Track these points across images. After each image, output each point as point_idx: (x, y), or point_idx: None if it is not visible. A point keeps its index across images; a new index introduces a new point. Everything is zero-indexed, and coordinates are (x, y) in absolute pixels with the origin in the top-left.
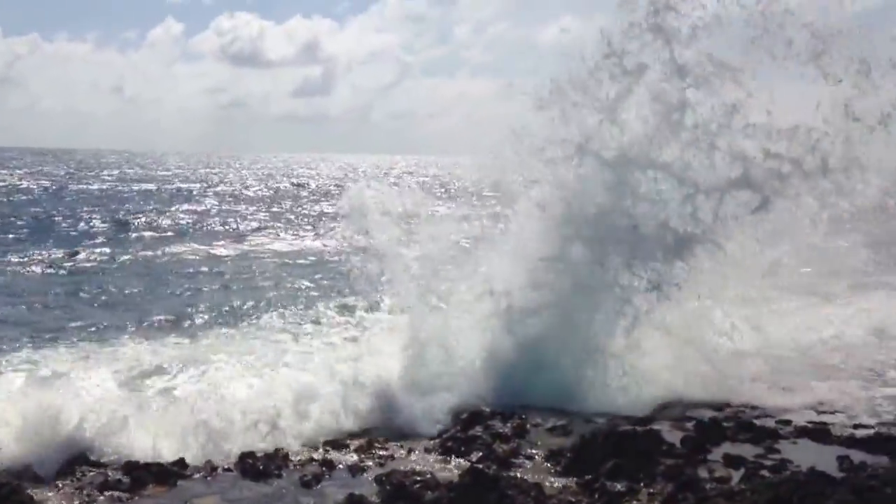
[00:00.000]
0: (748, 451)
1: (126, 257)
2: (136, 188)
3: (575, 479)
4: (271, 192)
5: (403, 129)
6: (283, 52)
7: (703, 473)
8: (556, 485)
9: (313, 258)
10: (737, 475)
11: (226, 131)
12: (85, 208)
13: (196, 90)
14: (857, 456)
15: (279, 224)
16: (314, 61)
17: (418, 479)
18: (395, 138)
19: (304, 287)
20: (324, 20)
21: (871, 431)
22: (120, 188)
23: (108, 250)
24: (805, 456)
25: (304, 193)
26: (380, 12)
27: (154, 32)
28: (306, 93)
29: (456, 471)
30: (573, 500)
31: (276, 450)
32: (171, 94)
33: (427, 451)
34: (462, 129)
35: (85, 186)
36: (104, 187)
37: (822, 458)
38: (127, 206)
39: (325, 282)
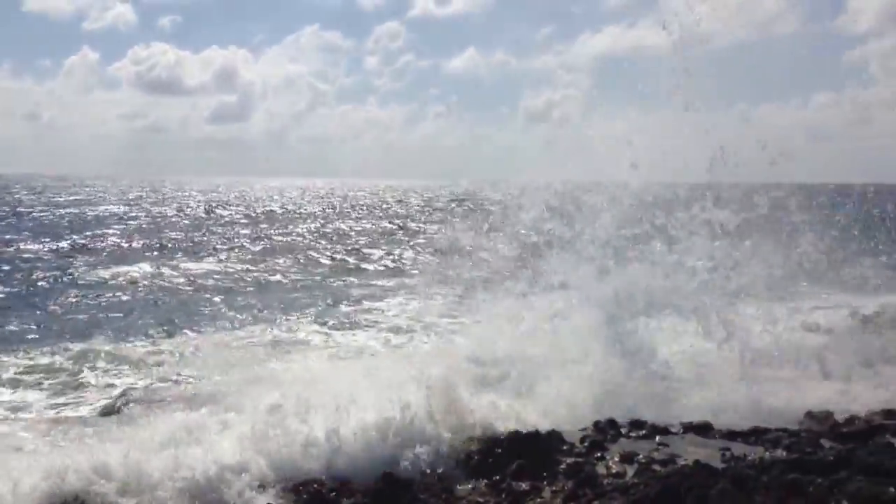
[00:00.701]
0: (642, 447)
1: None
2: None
3: (484, 480)
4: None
5: (318, 154)
6: (200, 80)
7: (601, 470)
8: (465, 487)
9: None
10: (631, 470)
11: (144, 156)
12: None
13: (113, 116)
14: (737, 448)
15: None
16: (231, 89)
17: (332, 486)
18: (311, 162)
19: None
20: (240, 50)
21: (749, 425)
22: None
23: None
24: (692, 450)
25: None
26: (294, 43)
27: (70, 60)
28: (223, 119)
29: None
30: (481, 500)
31: None
32: (89, 119)
33: None
34: (374, 152)
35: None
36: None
37: (706, 451)
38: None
39: None
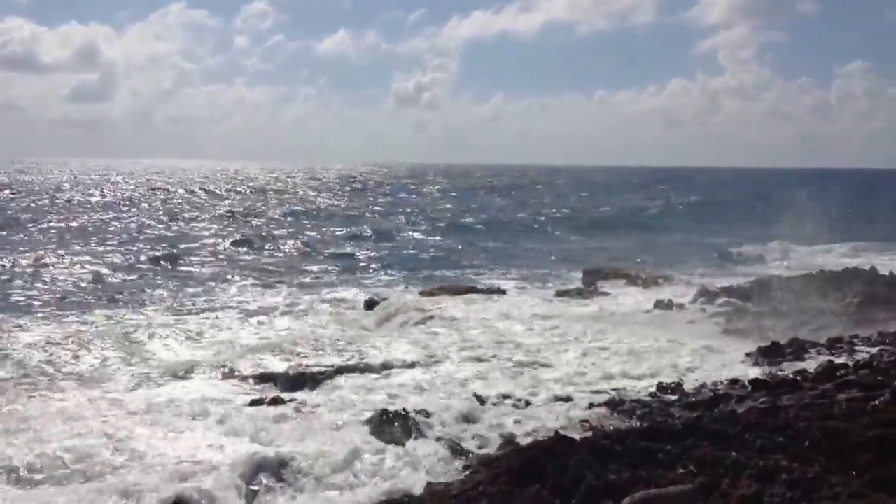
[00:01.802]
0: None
1: None
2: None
3: None
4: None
5: (185, 135)
6: (59, 57)
7: (466, 445)
8: None
9: None
10: (496, 442)
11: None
12: None
13: None
14: (594, 419)
15: None
16: (92, 67)
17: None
18: (178, 143)
19: None
20: (101, 27)
21: (607, 397)
22: None
23: None
24: (557, 421)
25: None
26: (160, 20)
27: None
28: (84, 98)
29: None
30: None
31: None
32: None
33: None
34: (242, 134)
35: None
36: None
37: (568, 422)
38: None
39: None
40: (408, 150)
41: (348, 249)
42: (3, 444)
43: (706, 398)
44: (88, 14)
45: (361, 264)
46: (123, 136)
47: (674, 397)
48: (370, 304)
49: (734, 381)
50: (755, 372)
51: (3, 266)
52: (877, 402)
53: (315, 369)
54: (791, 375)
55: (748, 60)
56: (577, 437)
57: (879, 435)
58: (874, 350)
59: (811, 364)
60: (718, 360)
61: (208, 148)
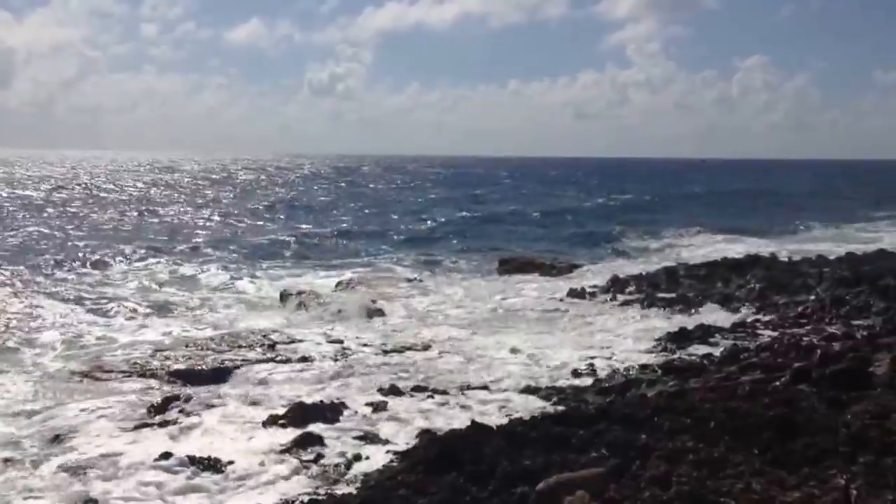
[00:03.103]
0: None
1: None
2: None
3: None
4: None
5: (90, 125)
6: None
7: (383, 434)
8: (250, 457)
9: None
10: (412, 431)
11: None
12: None
13: None
14: (510, 406)
15: None
16: None
17: None
18: (82, 133)
19: None
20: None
21: (522, 384)
22: None
23: None
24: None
25: None
26: (62, 6)
27: None
28: None
29: None
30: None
31: None
32: None
33: None
34: (150, 124)
35: None
36: None
37: (489, 409)
38: None
39: None
40: (323, 141)
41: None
42: None
43: (618, 383)
44: None
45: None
46: (23, 125)
47: (587, 383)
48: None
49: (645, 367)
50: (664, 357)
51: None
52: (777, 384)
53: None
54: (698, 360)
55: (655, 54)
56: (493, 424)
57: (779, 414)
58: (775, 333)
59: (717, 348)
60: (630, 345)
61: (114, 139)
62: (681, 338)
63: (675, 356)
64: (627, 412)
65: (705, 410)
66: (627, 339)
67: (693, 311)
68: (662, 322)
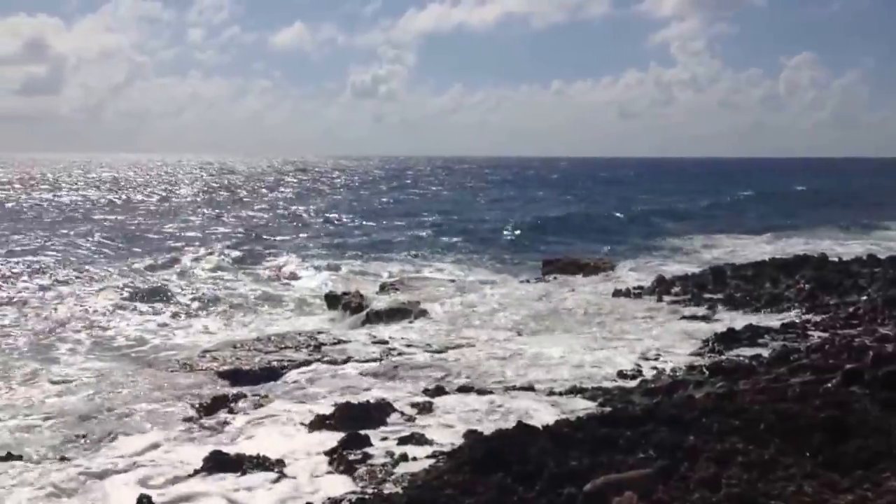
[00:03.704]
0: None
1: None
2: None
3: (316, 449)
4: None
5: (136, 129)
6: (5, 50)
7: (430, 434)
8: (297, 457)
9: None
10: (461, 430)
11: None
12: None
13: None
14: (557, 407)
15: None
16: (40, 60)
17: None
18: (129, 137)
19: None
20: (50, 18)
21: (568, 385)
22: None
23: None
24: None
25: None
26: (111, 12)
27: None
28: (32, 91)
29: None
30: (315, 468)
31: None
32: None
33: None
34: (195, 127)
35: None
36: None
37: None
38: None
39: None
40: (365, 143)
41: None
42: None
43: (665, 384)
44: (36, 5)
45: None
46: (72, 130)
47: (633, 384)
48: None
49: (692, 368)
50: (712, 358)
51: None
52: (828, 385)
53: None
54: (746, 361)
55: (699, 52)
56: (539, 425)
57: (831, 416)
58: (825, 334)
59: (766, 349)
60: (676, 346)
61: (160, 142)
62: (728, 339)
63: (723, 357)
64: (675, 413)
65: (755, 412)
66: (673, 340)
67: (741, 311)
68: (709, 323)
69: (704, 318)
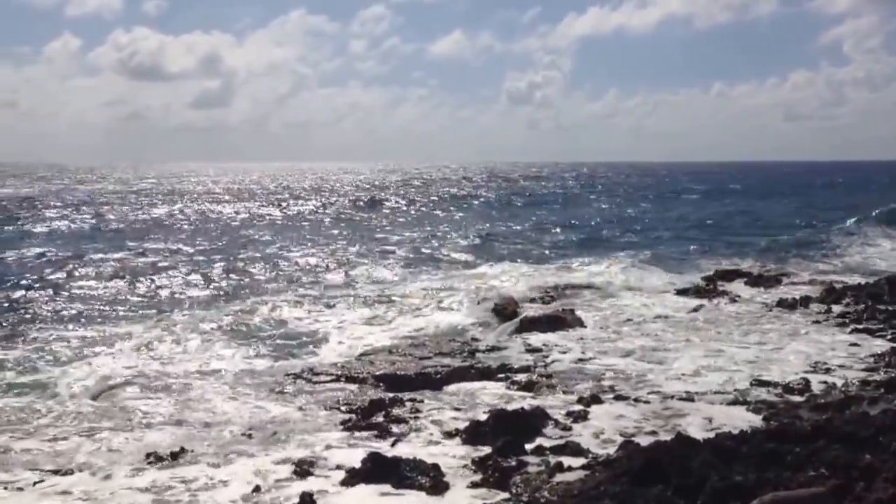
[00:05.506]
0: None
1: None
2: None
3: (471, 457)
4: None
5: (299, 138)
6: (183, 66)
7: (585, 444)
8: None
9: None
10: (616, 441)
11: (123, 143)
12: None
13: (94, 103)
14: (717, 419)
15: None
16: (214, 74)
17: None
18: (292, 147)
19: None
20: (224, 35)
21: (730, 397)
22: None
23: None
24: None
25: None
26: (280, 27)
27: (51, 47)
28: (205, 104)
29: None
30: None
31: None
32: (69, 107)
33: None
34: (355, 136)
35: None
36: None
37: (693, 420)
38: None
39: None
40: (520, 150)
41: None
42: None
43: (836, 400)
44: (212, 22)
45: None
46: (241, 140)
47: (801, 398)
48: None
49: (866, 383)
50: (889, 373)
51: None
52: None
53: None
54: None
55: (875, 49)
56: (699, 437)
57: None
58: None
59: None
60: (846, 360)
61: (321, 151)
62: None
63: None
64: (848, 430)
65: None
66: (843, 354)
67: None
68: (885, 335)
69: (878, 331)
